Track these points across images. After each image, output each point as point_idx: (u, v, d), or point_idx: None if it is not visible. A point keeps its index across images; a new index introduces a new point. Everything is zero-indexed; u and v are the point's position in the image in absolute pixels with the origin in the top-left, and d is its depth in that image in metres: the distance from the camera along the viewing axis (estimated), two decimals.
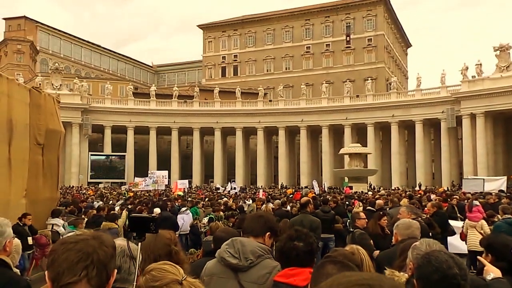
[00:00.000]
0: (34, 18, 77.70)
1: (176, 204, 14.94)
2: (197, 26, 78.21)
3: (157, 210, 11.59)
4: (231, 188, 34.62)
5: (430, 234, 6.29)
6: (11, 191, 8.71)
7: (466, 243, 9.00)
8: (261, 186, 45.50)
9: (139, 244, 1.95)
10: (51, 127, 10.65)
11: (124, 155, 50.17)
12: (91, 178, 48.21)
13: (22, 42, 71.99)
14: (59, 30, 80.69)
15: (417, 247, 2.78)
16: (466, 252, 8.89)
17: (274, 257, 2.80)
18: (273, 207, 12.36)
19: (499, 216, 8.40)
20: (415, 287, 2.18)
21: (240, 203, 15.95)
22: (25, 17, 76.50)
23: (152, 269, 1.99)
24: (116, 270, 1.52)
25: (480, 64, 42.23)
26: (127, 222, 10.14)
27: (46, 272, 1.41)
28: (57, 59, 71.15)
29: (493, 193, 15.12)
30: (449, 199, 12.64)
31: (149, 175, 38.46)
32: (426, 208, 9.45)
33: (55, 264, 1.38)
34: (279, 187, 44.84)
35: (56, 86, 46.88)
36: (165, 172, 39.24)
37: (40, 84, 38.58)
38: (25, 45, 72.00)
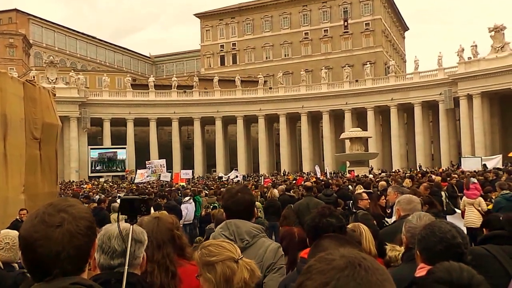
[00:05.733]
0: (25, 10, 75.91)
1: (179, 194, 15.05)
2: (194, 15, 77.55)
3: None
4: (234, 177, 34.88)
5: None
6: (8, 187, 8.40)
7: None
8: (263, 173, 45.84)
9: (131, 226, 1.89)
10: (47, 121, 10.22)
11: (125, 148, 49.99)
12: (91, 172, 47.88)
13: (14, 35, 70.11)
14: (52, 23, 79.11)
15: (409, 220, 2.83)
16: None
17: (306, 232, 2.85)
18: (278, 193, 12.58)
19: (496, 193, 8.65)
20: (418, 259, 2.22)
21: None
22: (16, 10, 74.43)
23: (209, 244, 2.03)
24: (96, 241, 1.49)
25: (476, 46, 42.55)
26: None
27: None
28: (51, 52, 69.86)
29: (491, 171, 15.48)
30: (448, 178, 12.91)
31: (147, 165, 38.46)
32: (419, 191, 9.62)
33: (25, 263, 1.37)
34: (282, 174, 45.18)
35: (52, 80, 45.90)
36: (163, 161, 39.06)
37: (34, 77, 37.63)
38: (18, 38, 70.20)
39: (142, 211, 1.98)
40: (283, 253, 2.88)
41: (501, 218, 3.47)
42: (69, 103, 45.46)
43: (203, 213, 11.92)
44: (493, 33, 41.35)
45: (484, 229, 3.62)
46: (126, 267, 1.76)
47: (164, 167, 37.61)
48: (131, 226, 1.90)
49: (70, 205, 1.42)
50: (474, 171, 18.71)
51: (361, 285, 0.86)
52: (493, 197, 8.72)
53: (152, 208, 9.91)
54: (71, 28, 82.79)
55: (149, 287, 2.00)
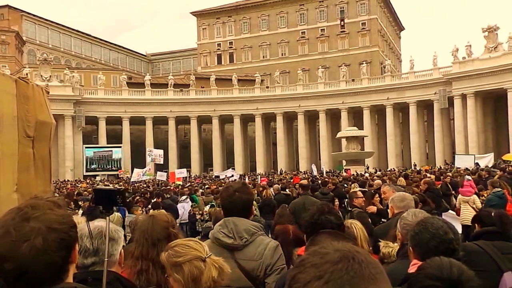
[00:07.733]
0: (18, 7, 74.21)
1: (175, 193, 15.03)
2: (191, 13, 77.27)
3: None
4: (230, 175, 34.90)
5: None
6: (0, 186, 8.76)
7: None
8: (260, 172, 45.88)
9: (107, 218, 1.85)
10: (41, 119, 10.47)
11: (120, 147, 49.61)
12: (87, 171, 47.61)
13: (7, 32, 68.94)
14: (46, 20, 77.91)
15: (404, 217, 2.85)
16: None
17: (304, 230, 2.87)
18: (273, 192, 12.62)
19: (488, 191, 8.77)
20: (411, 255, 2.24)
21: None
22: (8, 6, 72.84)
23: (175, 244, 2.02)
24: (77, 246, 1.38)
25: (470, 45, 42.94)
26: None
27: None
28: (45, 50, 68.90)
29: (484, 169, 15.71)
30: (442, 177, 13.02)
31: (147, 152, 38.35)
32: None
33: None
34: (278, 173, 45.24)
35: (46, 78, 45.10)
36: (161, 151, 39.15)
37: (27, 74, 36.98)
38: (10, 35, 69.06)
39: (118, 203, 1.93)
40: (282, 251, 2.89)
41: (492, 214, 3.53)
42: (64, 101, 44.87)
43: None
44: (486, 33, 41.77)
45: (476, 226, 3.67)
46: (106, 259, 1.76)
47: (162, 157, 37.64)
48: (107, 220, 1.84)
49: (43, 213, 1.27)
50: (467, 168, 18.96)
51: (354, 278, 0.86)
52: (485, 195, 8.84)
53: (150, 206, 9.96)
54: (65, 25, 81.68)
55: (130, 285, 1.97)
